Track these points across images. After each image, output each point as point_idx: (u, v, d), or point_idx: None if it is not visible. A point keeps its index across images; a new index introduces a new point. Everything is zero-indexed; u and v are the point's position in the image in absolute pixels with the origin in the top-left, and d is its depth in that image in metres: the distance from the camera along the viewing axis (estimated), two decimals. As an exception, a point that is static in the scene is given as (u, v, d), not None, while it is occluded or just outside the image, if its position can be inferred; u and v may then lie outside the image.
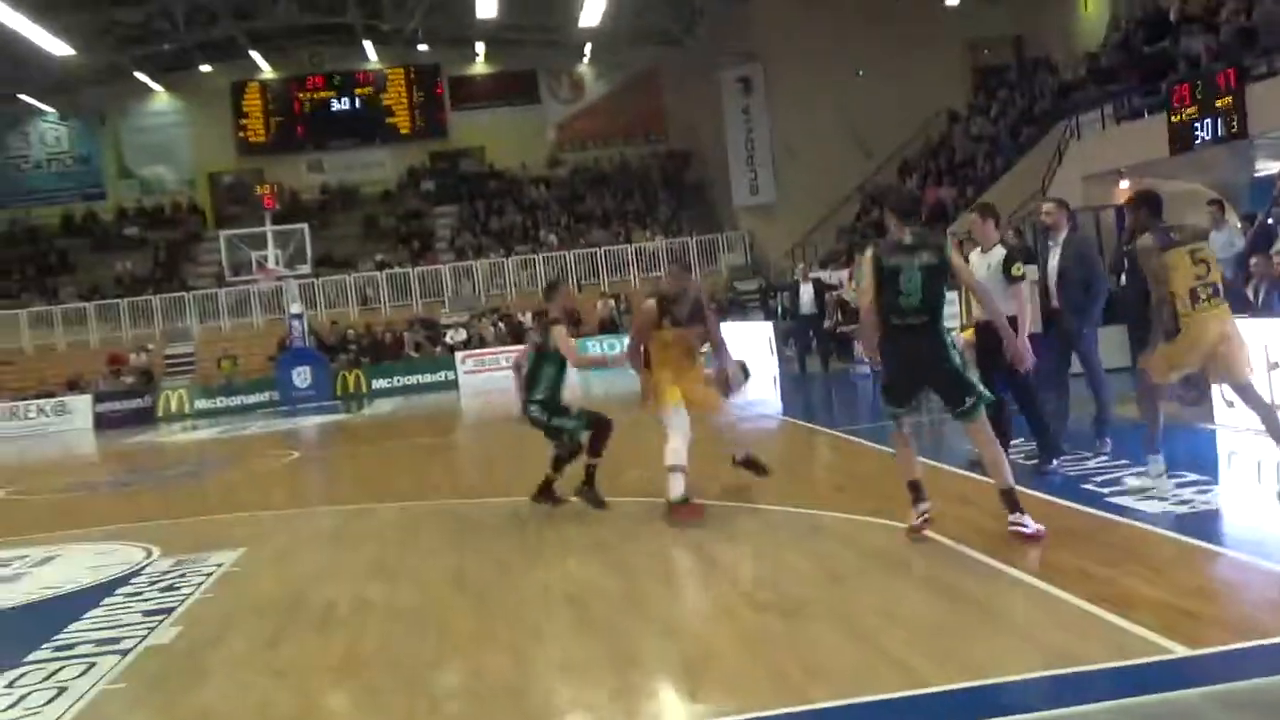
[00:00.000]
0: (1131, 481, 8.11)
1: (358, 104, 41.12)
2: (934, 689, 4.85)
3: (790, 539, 8.18)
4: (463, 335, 32.81)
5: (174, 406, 30.57)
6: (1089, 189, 22.38)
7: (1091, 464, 8.37)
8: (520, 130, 40.88)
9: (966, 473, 9.01)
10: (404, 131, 41.22)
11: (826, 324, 22.59)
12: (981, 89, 34.02)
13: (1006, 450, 7.70)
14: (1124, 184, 22.24)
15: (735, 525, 8.73)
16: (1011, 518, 7.07)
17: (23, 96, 38.22)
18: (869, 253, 7.53)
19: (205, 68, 39.43)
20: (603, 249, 36.11)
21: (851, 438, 11.92)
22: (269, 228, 31.81)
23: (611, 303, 34.10)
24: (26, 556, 10.34)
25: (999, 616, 5.89)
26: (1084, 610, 5.61)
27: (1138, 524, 7.28)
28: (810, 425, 10.61)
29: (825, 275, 25.88)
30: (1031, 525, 7.00)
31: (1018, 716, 4.53)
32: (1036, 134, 27.37)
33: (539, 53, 39.71)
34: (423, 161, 41.36)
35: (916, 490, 7.48)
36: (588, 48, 39.38)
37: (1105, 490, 8.25)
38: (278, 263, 31.52)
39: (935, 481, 8.45)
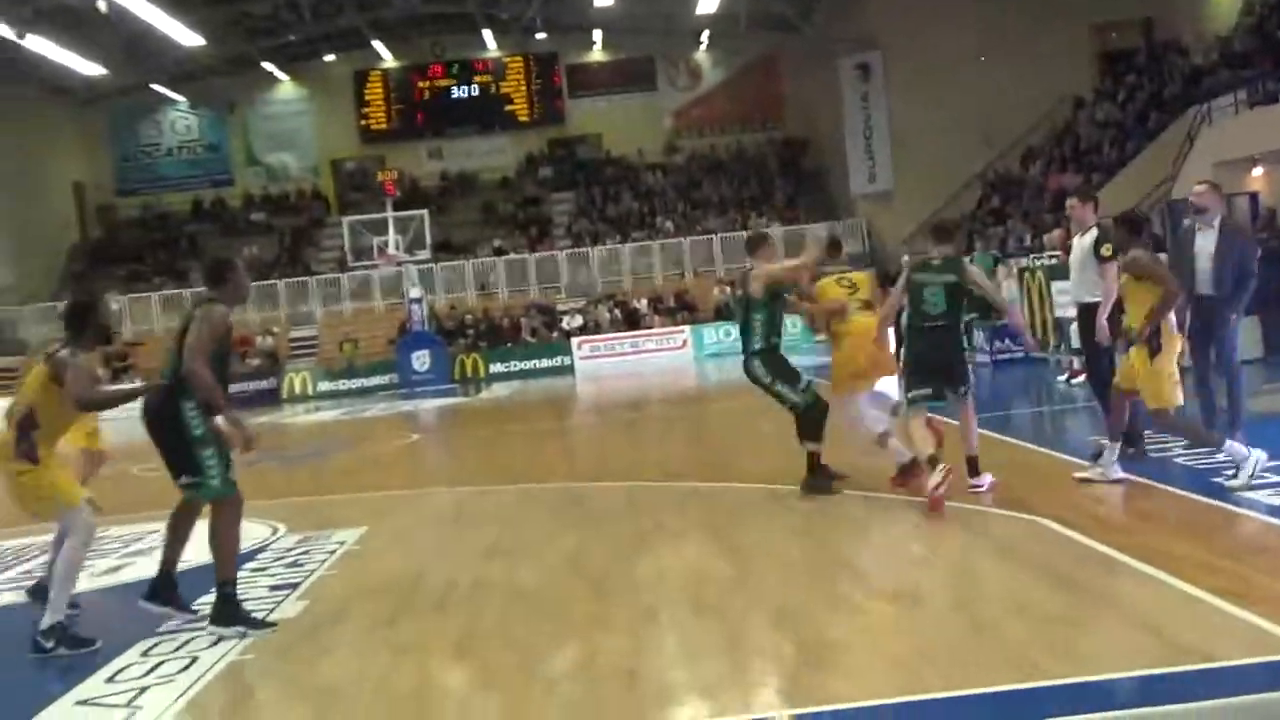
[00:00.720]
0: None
1: (477, 92, 41.58)
2: (1054, 681, 4.77)
3: (909, 527, 8.10)
4: (579, 320, 33.03)
5: (298, 388, 31.32)
6: (1220, 175, 21.64)
7: (1220, 456, 8.13)
8: (637, 117, 41.00)
9: (1084, 462, 8.83)
10: (522, 119, 41.59)
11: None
12: (1108, 73, 33.16)
13: (1141, 442, 7.88)
14: (1257, 170, 21.57)
15: (852, 513, 8.67)
16: (972, 481, 8.60)
17: (155, 86, 39.35)
18: (905, 273, 9.19)
19: (329, 57, 40.22)
20: (719, 235, 36.06)
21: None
22: (390, 214, 32.38)
23: (728, 289, 34.06)
24: (159, 531, 10.63)
25: (1121, 608, 5.76)
26: (1209, 604, 5.47)
27: (1266, 518, 7.07)
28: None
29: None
30: (986, 483, 8.57)
31: (1140, 710, 4.44)
32: (1166, 119, 26.64)
33: (656, 40, 39.73)
34: (541, 148, 41.69)
35: (935, 462, 8.32)
36: (705, 35, 39.32)
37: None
38: (398, 248, 32.07)
39: (1054, 473, 8.30)
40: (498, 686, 5.44)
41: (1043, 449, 10.57)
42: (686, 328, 32.62)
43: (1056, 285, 16.88)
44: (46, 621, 6.64)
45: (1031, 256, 20.45)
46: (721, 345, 32.02)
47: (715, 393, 22.37)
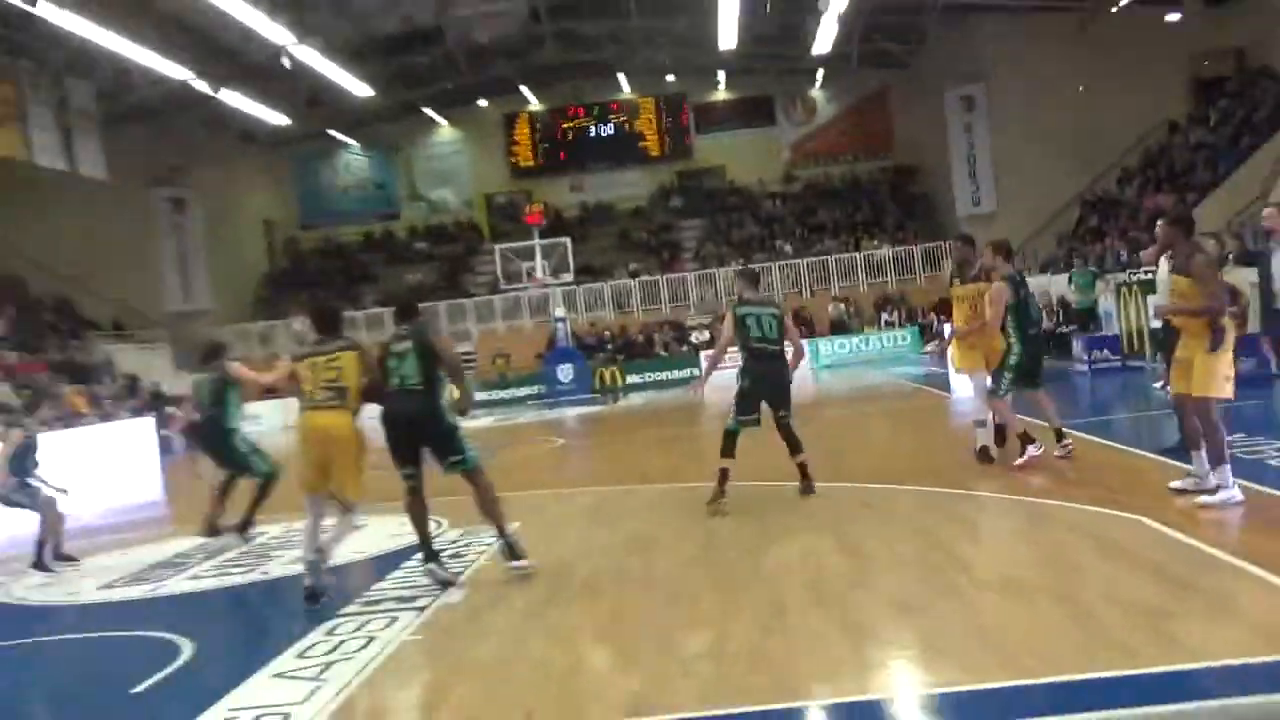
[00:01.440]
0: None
1: (613, 130, 41.89)
2: (1154, 669, 4.64)
3: (1014, 524, 7.95)
4: (705, 335, 33.01)
5: (455, 398, 31.76)
6: (1311, 194, 20.86)
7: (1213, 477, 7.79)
8: (758, 150, 40.90)
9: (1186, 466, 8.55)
10: (654, 154, 41.78)
11: (1046, 325, 21.76)
12: (1202, 99, 32.05)
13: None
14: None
15: (960, 510, 8.53)
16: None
17: (332, 132, 40.48)
18: (1009, 291, 9.64)
19: (482, 102, 40.88)
20: (833, 257, 35.74)
21: (1073, 431, 11.45)
22: (537, 241, 32.79)
23: (842, 305, 33.74)
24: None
25: (1220, 602, 5.57)
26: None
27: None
28: (1028, 418, 10.23)
29: (1043, 279, 24.94)
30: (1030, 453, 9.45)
31: (1243, 699, 4.29)
32: (1257, 141, 25.65)
33: (775, 79, 39.62)
34: (671, 180, 41.83)
35: (1027, 438, 9.48)
36: (820, 73, 39.05)
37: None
38: (544, 272, 32.46)
39: (1152, 475, 8.06)
40: (639, 667, 5.48)
41: (1141, 452, 10.26)
42: (804, 341, 32.27)
43: (1151, 299, 16.39)
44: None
45: (1128, 272, 19.87)
46: (836, 357, 31.74)
47: (830, 401, 22.15)
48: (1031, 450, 9.62)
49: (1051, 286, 24.90)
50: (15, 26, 22.10)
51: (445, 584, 7.58)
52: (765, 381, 9.64)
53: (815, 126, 41.25)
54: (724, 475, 9.47)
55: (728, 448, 9.53)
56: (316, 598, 7.38)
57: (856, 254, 35.74)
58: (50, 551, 10.29)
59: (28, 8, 21.07)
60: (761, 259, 36.72)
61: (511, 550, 7.73)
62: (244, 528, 10.48)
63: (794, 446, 9.74)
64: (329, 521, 7.76)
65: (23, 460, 10.40)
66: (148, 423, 27.58)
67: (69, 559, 10.43)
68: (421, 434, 7.63)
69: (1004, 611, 5.79)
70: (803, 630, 5.83)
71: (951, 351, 10.74)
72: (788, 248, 37.44)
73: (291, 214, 42.31)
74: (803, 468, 9.70)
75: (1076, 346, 20.65)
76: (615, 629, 6.21)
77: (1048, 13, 31.68)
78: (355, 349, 7.78)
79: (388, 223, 42.29)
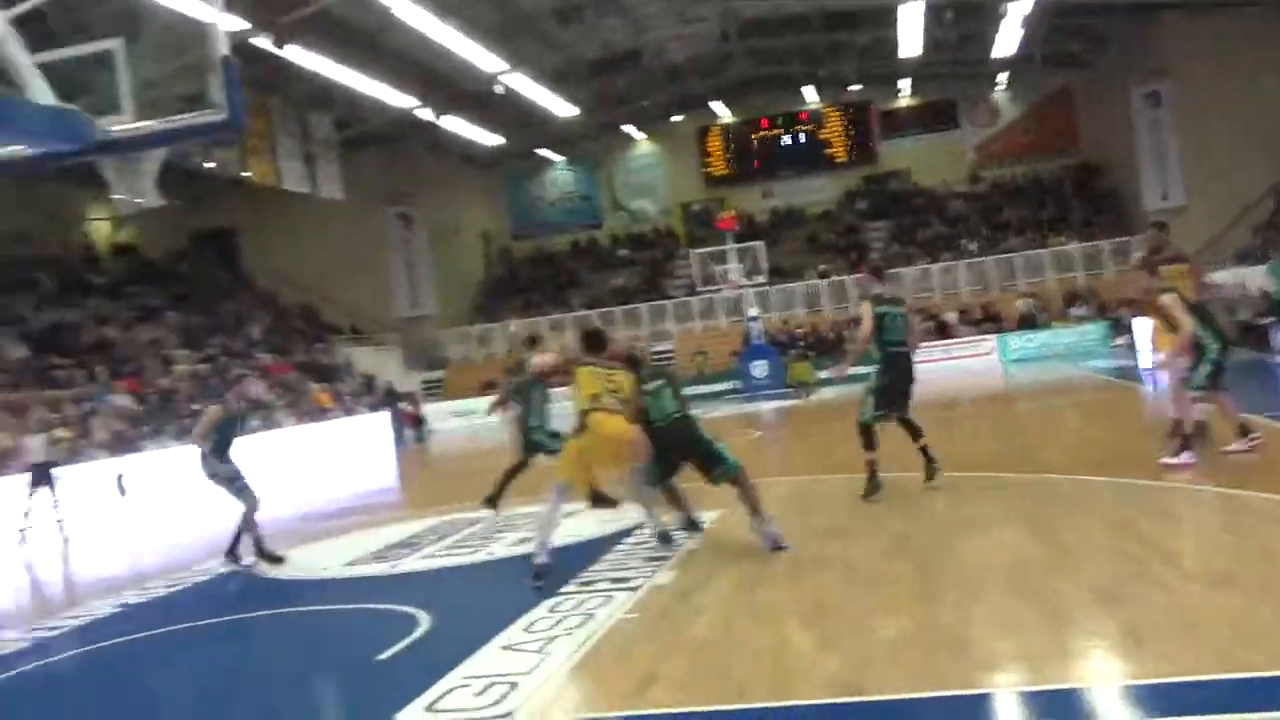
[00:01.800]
0: None
1: (801, 139, 41.46)
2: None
3: (1213, 515, 7.49)
4: (893, 332, 32.31)
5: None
6: None
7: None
8: (942, 153, 39.79)
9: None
10: (840, 160, 41.16)
11: (1243, 317, 20.45)
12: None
13: None
14: None
15: (1155, 501, 8.08)
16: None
17: (540, 151, 41.42)
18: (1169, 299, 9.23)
19: (677, 117, 41.09)
20: (1020, 254, 34.47)
21: (1274, 423, 10.71)
22: (730, 246, 32.75)
23: (1030, 300, 32.53)
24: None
25: None
26: None
27: None
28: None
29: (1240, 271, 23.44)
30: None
31: None
32: None
33: (958, 84, 38.45)
34: (857, 184, 41.14)
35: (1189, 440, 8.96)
36: (1002, 76, 37.71)
37: None
38: (738, 274, 32.38)
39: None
40: (842, 649, 5.39)
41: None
42: (993, 336, 31.32)
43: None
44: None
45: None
46: (1025, 351, 30.57)
47: (1020, 394, 21.37)
48: (1186, 455, 9.02)
49: (1249, 278, 23.37)
50: (265, 66, 23.44)
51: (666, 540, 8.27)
52: (904, 376, 9.62)
53: (999, 128, 39.83)
54: (873, 467, 9.43)
55: (869, 441, 9.47)
56: (541, 577, 7.58)
57: (1043, 250, 34.37)
58: (251, 545, 10.23)
59: (276, 50, 22.31)
60: (948, 258, 35.76)
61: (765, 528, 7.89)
62: (492, 501, 11.23)
63: (917, 433, 9.72)
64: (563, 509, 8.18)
65: (225, 435, 10.34)
66: (383, 417, 28.83)
67: (275, 558, 10.17)
68: (684, 453, 8.35)
69: (1210, 603, 5.44)
70: (1002, 617, 5.62)
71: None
72: (973, 246, 36.30)
73: (505, 226, 43.48)
74: (925, 450, 9.68)
75: (1276, 338, 19.35)
76: (818, 612, 6.12)
77: (1233, 6, 29.76)
78: (630, 373, 8.26)
79: (592, 231, 42.98)
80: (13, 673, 7.17)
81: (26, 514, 15.90)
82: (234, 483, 10.25)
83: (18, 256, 28.06)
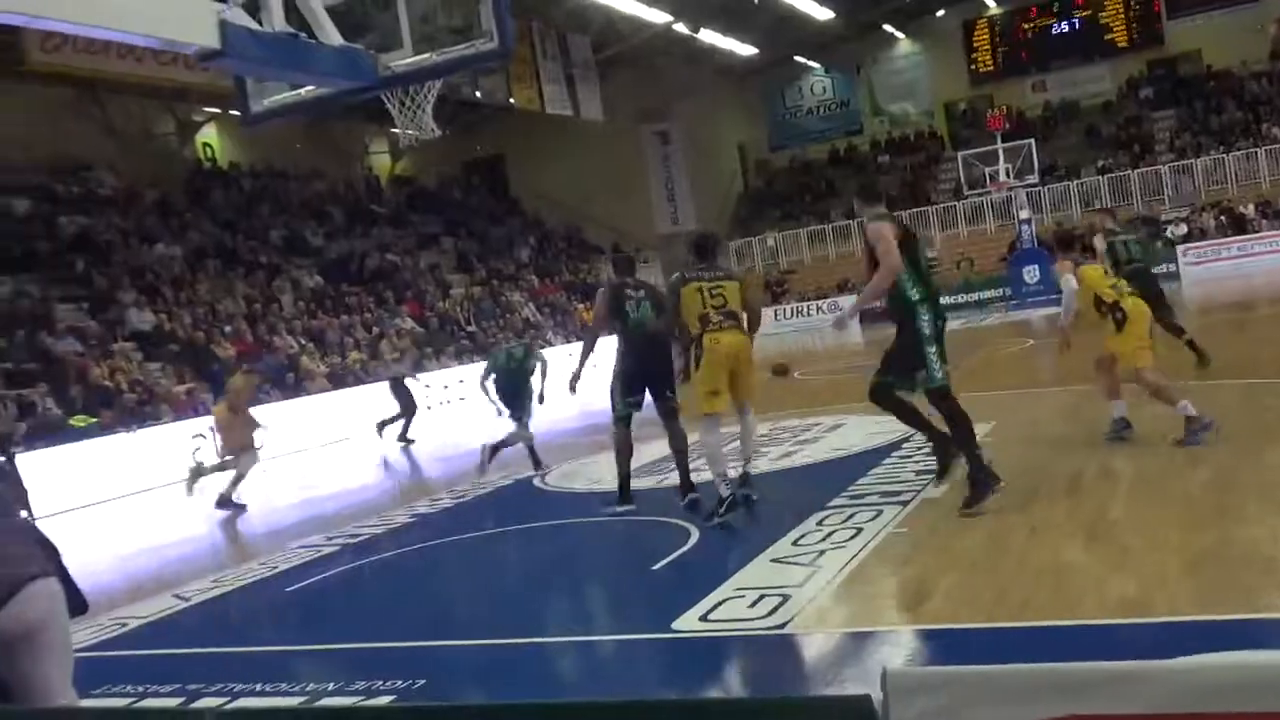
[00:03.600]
0: None
1: (1076, 25, 38.67)
2: None
3: None
4: (1183, 229, 30.03)
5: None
6: None
7: None
8: (1236, 30, 36.12)
9: None
10: (1121, 44, 38.16)
11: None
12: None
13: None
14: None
15: None
16: None
17: (797, 58, 40.55)
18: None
19: (940, 13, 39.26)
20: (1331, 136, 31.13)
21: None
22: (999, 145, 31.21)
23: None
24: (820, 424, 11.16)
25: None
26: None
27: None
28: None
29: None
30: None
31: None
32: None
33: (1259, -51, 34.78)
34: (1139, 70, 38.08)
35: None
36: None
37: None
38: (1007, 175, 30.88)
39: None
40: (1132, 568, 5.11)
41: None
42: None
43: None
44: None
45: None
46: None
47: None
48: None
49: None
50: (524, -8, 24.01)
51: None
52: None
53: (1306, -5, 35.82)
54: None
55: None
56: (698, 505, 7.64)
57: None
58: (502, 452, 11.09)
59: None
60: (1244, 145, 32.71)
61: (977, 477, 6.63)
62: None
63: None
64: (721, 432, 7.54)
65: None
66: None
67: (540, 466, 11.05)
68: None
69: None
70: (1316, 535, 5.18)
71: None
72: (1276, 131, 32.99)
73: (762, 137, 43.01)
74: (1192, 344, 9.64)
75: None
76: (1103, 528, 5.83)
77: None
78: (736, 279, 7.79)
79: (851, 138, 41.89)
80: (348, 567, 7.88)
81: (391, 420, 17.21)
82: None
83: (310, 193, 30.26)
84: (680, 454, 8.01)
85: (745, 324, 7.56)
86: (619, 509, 8.19)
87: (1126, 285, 8.19)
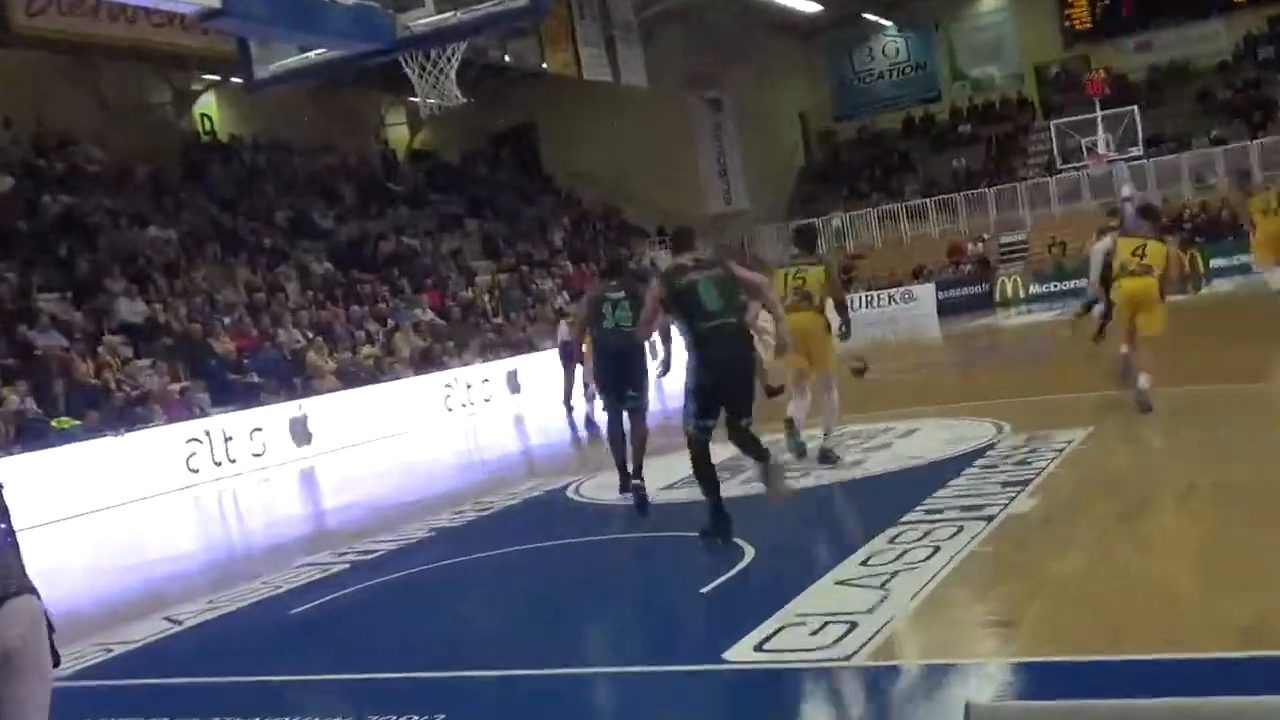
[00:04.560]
0: None
1: (1188, -25, 38.16)
2: None
3: None
4: (1309, 207, 29.51)
5: (1009, 292, 31.18)
6: None
7: None
8: (1378, -25, 35.51)
9: None
10: (1238, -1, 37.63)
11: None
12: None
13: None
14: None
15: None
16: None
17: (866, 15, 40.33)
18: None
19: (1030, -38, 38.93)
20: None
21: None
22: (1098, 113, 30.88)
23: None
24: (892, 429, 11.09)
25: None
26: None
27: None
28: None
29: None
30: None
31: None
32: None
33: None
34: (1259, 27, 37.48)
35: None
36: None
37: None
38: (1107, 147, 30.56)
39: None
40: (1250, 591, 5.01)
41: None
42: None
43: None
44: None
45: None
46: None
47: None
48: None
49: None
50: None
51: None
52: None
53: None
54: None
55: None
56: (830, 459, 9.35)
57: None
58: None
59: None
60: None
61: None
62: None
63: None
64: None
65: None
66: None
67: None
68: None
69: None
70: None
71: None
72: None
73: (826, 105, 42.81)
74: None
75: None
76: (1219, 546, 5.74)
77: None
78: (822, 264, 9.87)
79: (928, 106, 41.56)
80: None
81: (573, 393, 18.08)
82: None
83: (319, 168, 30.52)
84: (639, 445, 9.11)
85: (819, 305, 9.50)
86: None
87: None
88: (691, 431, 7.36)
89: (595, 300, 9.37)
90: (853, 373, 12.77)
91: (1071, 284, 30.03)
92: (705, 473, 7.46)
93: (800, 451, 9.66)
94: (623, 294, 9.10)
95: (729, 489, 9.23)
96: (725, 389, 7.30)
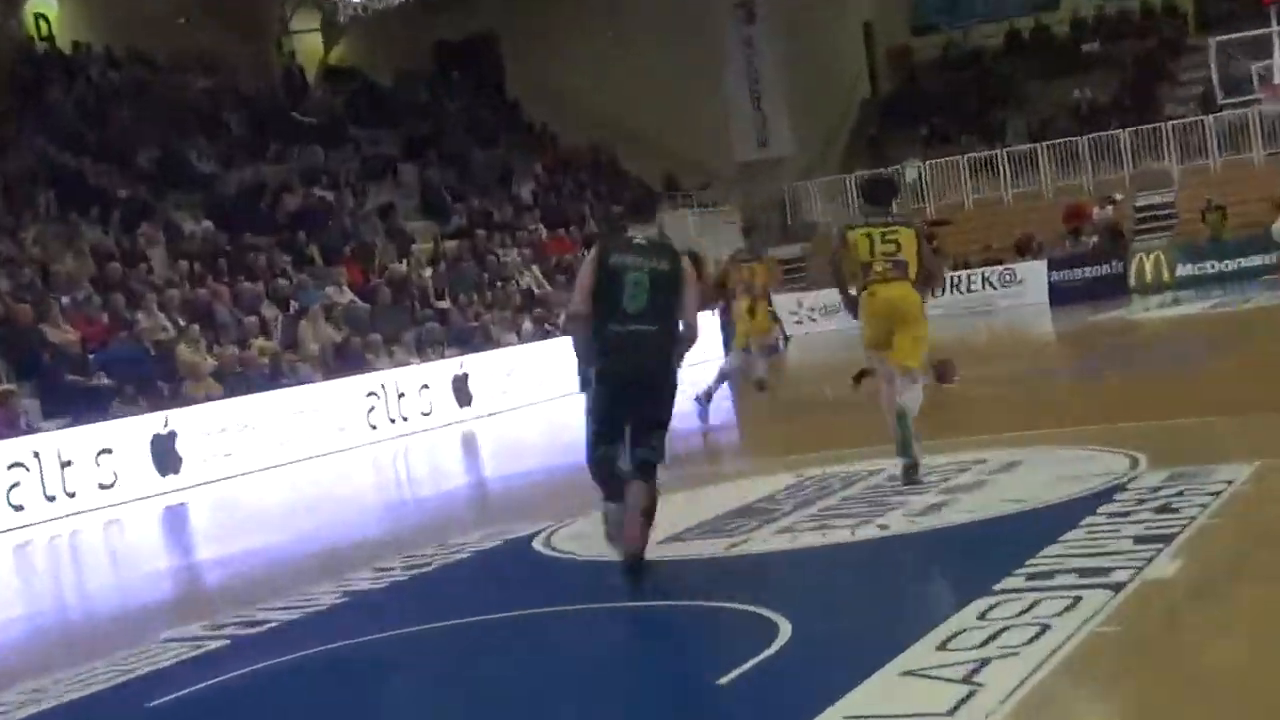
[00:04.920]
0: None
1: None
2: None
3: None
4: None
5: (1149, 274, 31.08)
6: None
7: None
8: None
9: None
10: None
11: None
12: None
13: None
14: None
15: None
16: None
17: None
18: None
19: None
20: None
21: None
22: (1274, 29, 30.93)
23: None
24: (985, 461, 11.06)
25: None
26: None
27: None
28: None
29: None
30: None
31: None
32: None
33: None
34: None
35: None
36: None
37: None
38: (1287, 76, 30.70)
39: None
40: None
41: None
42: None
43: None
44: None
45: None
46: None
47: None
48: None
49: None
50: None
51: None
52: None
53: None
54: None
55: None
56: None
57: None
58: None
59: None
60: None
61: None
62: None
63: None
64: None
65: None
66: (709, 321, 29.36)
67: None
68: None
69: None
70: None
71: None
72: None
73: (901, 15, 43.00)
74: None
75: None
76: None
77: None
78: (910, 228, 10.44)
79: (1041, 14, 41.77)
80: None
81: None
82: None
83: (197, 91, 30.41)
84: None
85: (917, 276, 10.06)
86: None
87: None
88: (590, 465, 8.15)
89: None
90: (936, 376, 12.83)
91: (1236, 264, 30.06)
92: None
93: (912, 465, 10.18)
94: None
95: (759, 538, 9.23)
96: (625, 401, 7.92)
